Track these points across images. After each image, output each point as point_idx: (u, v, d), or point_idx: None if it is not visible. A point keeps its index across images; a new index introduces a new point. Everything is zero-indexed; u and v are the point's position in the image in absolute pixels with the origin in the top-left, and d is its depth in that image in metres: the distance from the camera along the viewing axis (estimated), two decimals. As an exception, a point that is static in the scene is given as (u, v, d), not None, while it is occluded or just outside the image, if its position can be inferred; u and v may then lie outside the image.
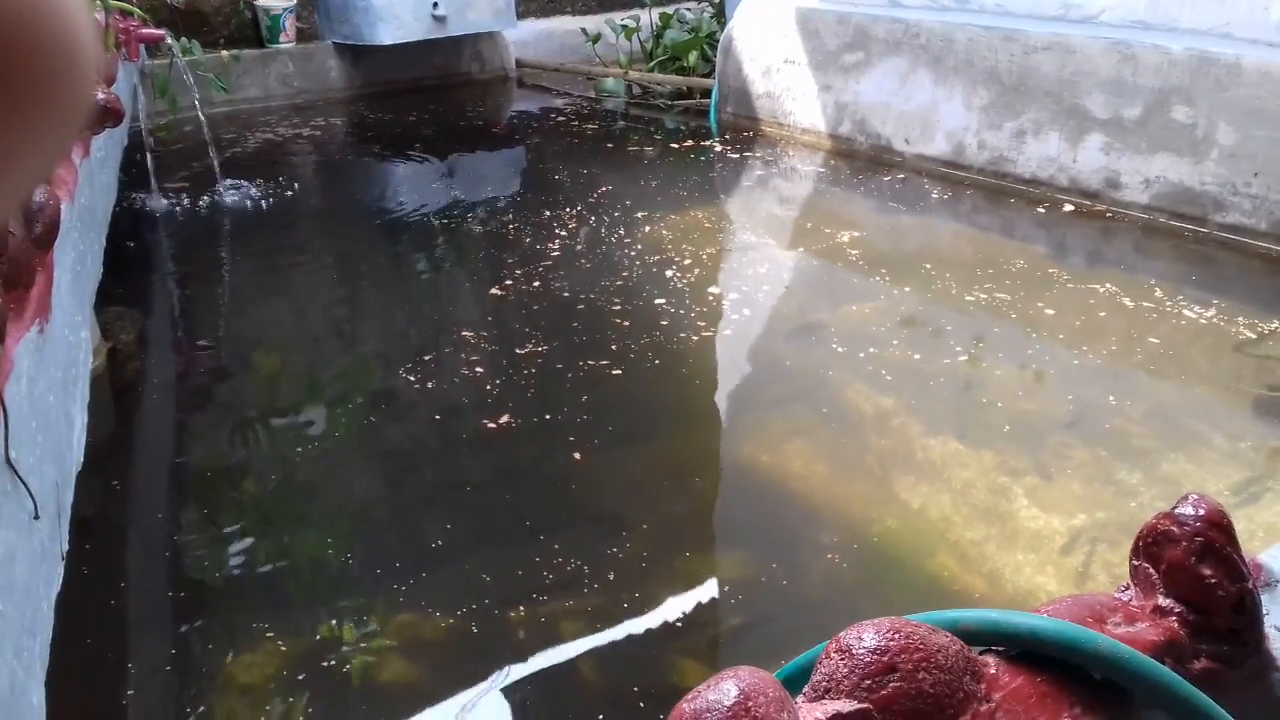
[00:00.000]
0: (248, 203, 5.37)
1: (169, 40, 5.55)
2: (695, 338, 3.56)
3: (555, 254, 4.38)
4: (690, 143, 6.42)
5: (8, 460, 1.58)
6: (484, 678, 2.04)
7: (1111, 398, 3.07)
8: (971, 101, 5.30)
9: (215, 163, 5.52)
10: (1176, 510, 1.22)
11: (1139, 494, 2.57)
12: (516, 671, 2.05)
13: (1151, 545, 1.27)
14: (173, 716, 2.01)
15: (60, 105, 0.28)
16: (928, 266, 4.16)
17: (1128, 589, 1.22)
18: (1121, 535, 2.34)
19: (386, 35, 7.61)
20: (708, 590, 2.30)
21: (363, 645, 2.14)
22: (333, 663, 2.09)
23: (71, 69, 0.28)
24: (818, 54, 6.12)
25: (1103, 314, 3.64)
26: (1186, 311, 3.62)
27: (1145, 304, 3.70)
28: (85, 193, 2.99)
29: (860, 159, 5.79)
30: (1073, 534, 2.43)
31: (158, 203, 5.32)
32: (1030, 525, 2.46)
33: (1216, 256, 4.18)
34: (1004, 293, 3.84)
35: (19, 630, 1.49)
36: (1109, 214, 4.67)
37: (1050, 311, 3.68)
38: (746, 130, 6.53)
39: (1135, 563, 1.34)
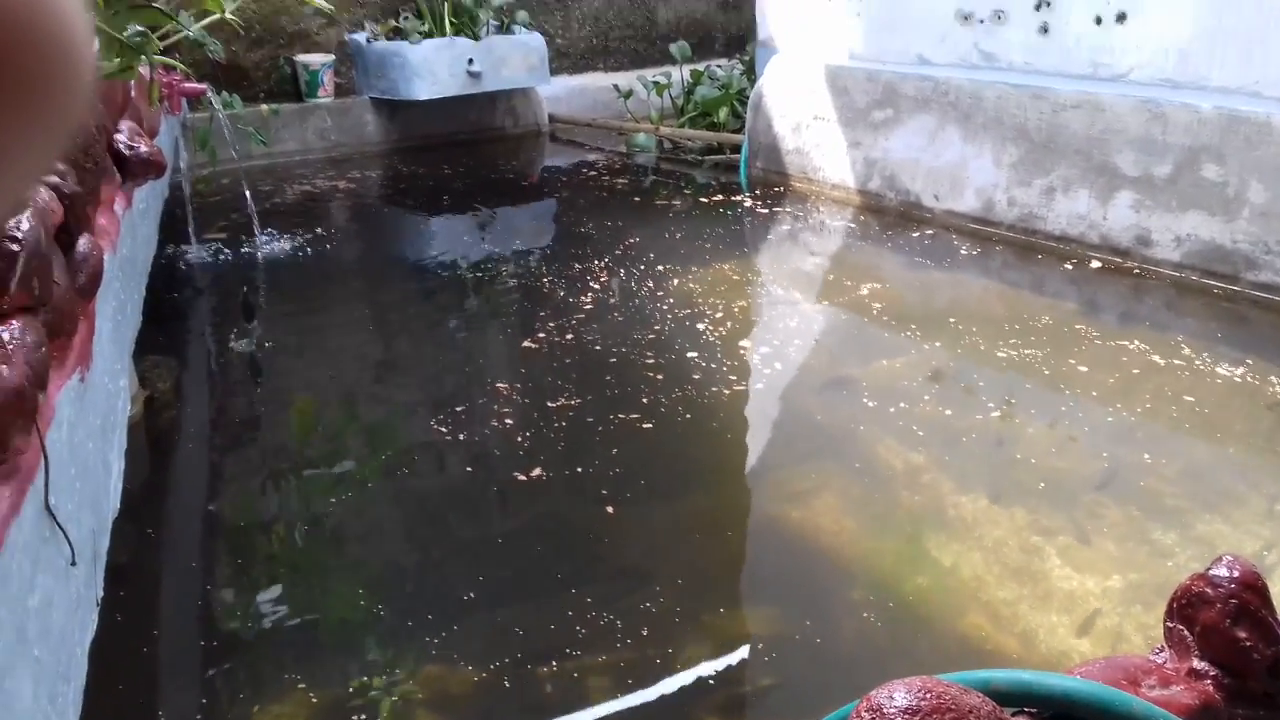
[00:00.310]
0: (284, 253, 5.44)
1: (210, 94, 5.66)
2: (727, 392, 3.56)
3: (588, 307, 4.40)
4: (720, 197, 6.46)
5: (48, 507, 1.61)
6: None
7: (1145, 456, 3.04)
8: (1001, 158, 5.32)
9: (253, 214, 5.60)
10: (1210, 572, 1.21)
11: (1173, 555, 2.54)
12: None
13: (1186, 607, 1.26)
14: (202, 766, 2.01)
15: (56, 104, 0.28)
16: (958, 322, 4.16)
17: (1162, 651, 1.21)
18: (1156, 597, 2.31)
19: (423, 91, 7.73)
20: (738, 647, 2.28)
21: (391, 697, 2.13)
22: (361, 715, 2.08)
23: (67, 68, 0.28)
24: (847, 111, 6.16)
25: (1135, 371, 3.62)
26: (1219, 370, 3.59)
27: (1177, 362, 3.68)
28: (127, 243, 3.05)
29: (889, 214, 5.81)
30: (1107, 595, 2.40)
31: (196, 253, 5.40)
32: (1063, 585, 2.44)
33: (1248, 315, 4.16)
34: (1035, 349, 3.83)
35: (54, 676, 1.50)
36: (1140, 271, 4.65)
37: (1082, 369, 3.66)
38: (776, 185, 6.57)
39: (1170, 625, 1.33)
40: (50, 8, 0.28)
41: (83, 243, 2.23)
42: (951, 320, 4.19)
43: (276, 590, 2.55)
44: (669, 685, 2.15)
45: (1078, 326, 4.09)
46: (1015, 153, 5.25)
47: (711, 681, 2.17)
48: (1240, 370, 3.59)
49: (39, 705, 1.40)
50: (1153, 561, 2.52)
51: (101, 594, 1.94)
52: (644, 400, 3.48)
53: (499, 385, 3.66)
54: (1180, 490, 2.84)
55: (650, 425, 3.31)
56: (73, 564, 1.69)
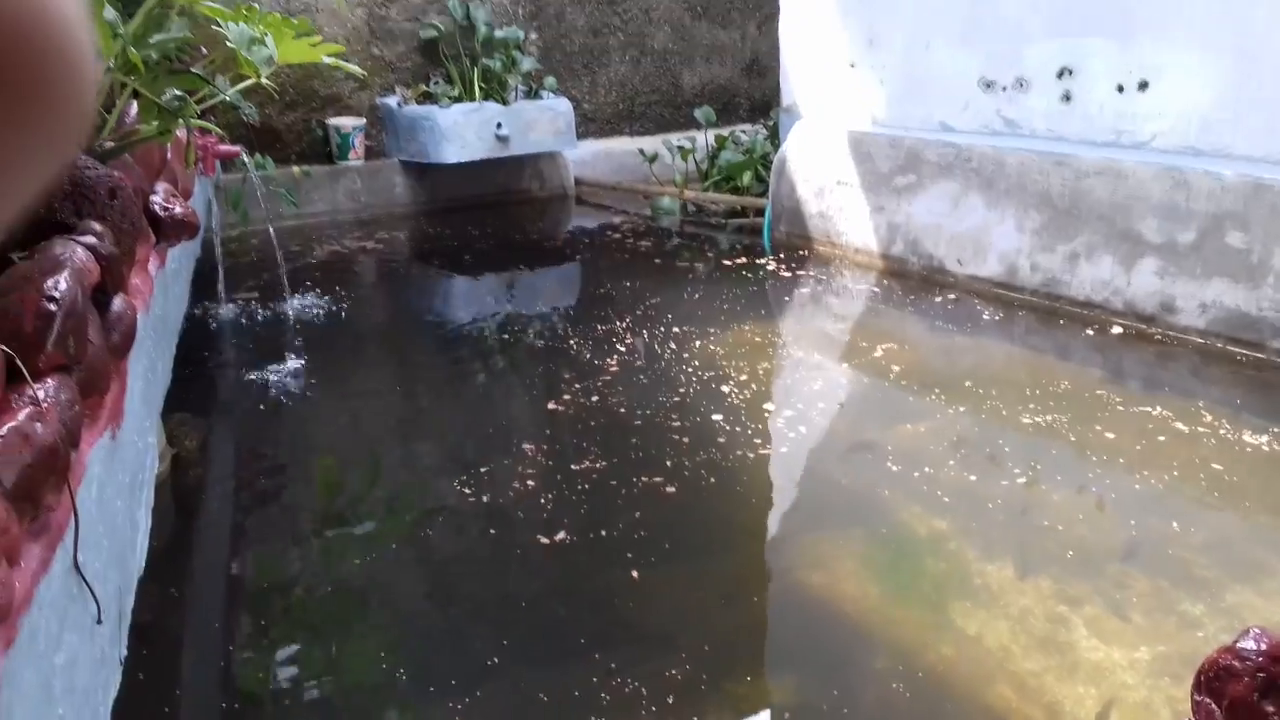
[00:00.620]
0: (313, 313, 5.50)
1: (244, 156, 5.77)
2: (751, 455, 3.56)
3: (613, 369, 4.42)
4: (744, 260, 6.50)
5: (76, 565, 1.62)
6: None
7: (1172, 525, 3.01)
8: (1024, 224, 5.33)
9: (283, 274, 5.68)
10: (1238, 645, 1.20)
11: (1202, 625, 2.50)
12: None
13: (1213, 680, 1.25)
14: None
15: (58, 112, 0.28)
16: (981, 387, 4.15)
17: (1191, 727, 1.19)
18: (1184, 668, 2.27)
19: (452, 155, 7.85)
20: (759, 715, 2.26)
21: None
22: (379, 778, 2.07)
23: (69, 76, 0.28)
24: (870, 176, 6.21)
25: (1161, 439, 3.59)
26: (1246, 438, 3.56)
27: (1203, 429, 3.65)
28: (160, 303, 3.10)
29: (912, 279, 5.82)
30: (1134, 667, 2.36)
31: (226, 312, 5.47)
32: (1091, 657, 2.40)
33: (1274, 382, 4.13)
34: (1059, 415, 3.81)
35: (77, 735, 1.51)
36: (1164, 338, 4.64)
37: (1109, 435, 3.64)
38: (800, 249, 6.60)
39: (1197, 698, 1.31)
40: (53, 16, 0.28)
41: (117, 302, 2.26)
42: (975, 385, 4.18)
43: (297, 652, 2.55)
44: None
45: (1102, 393, 4.07)
46: (1038, 219, 5.26)
47: (733, 750, 2.14)
48: (1266, 438, 3.55)
49: (62, 765, 1.41)
50: (1181, 633, 2.48)
51: (125, 653, 1.94)
52: (668, 463, 3.48)
53: (524, 447, 3.67)
54: (1208, 560, 2.81)
55: (674, 489, 3.30)
56: (99, 622, 1.70)
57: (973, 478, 3.35)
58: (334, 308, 5.58)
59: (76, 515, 1.62)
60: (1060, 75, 5.35)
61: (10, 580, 1.31)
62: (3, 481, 1.45)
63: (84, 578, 1.65)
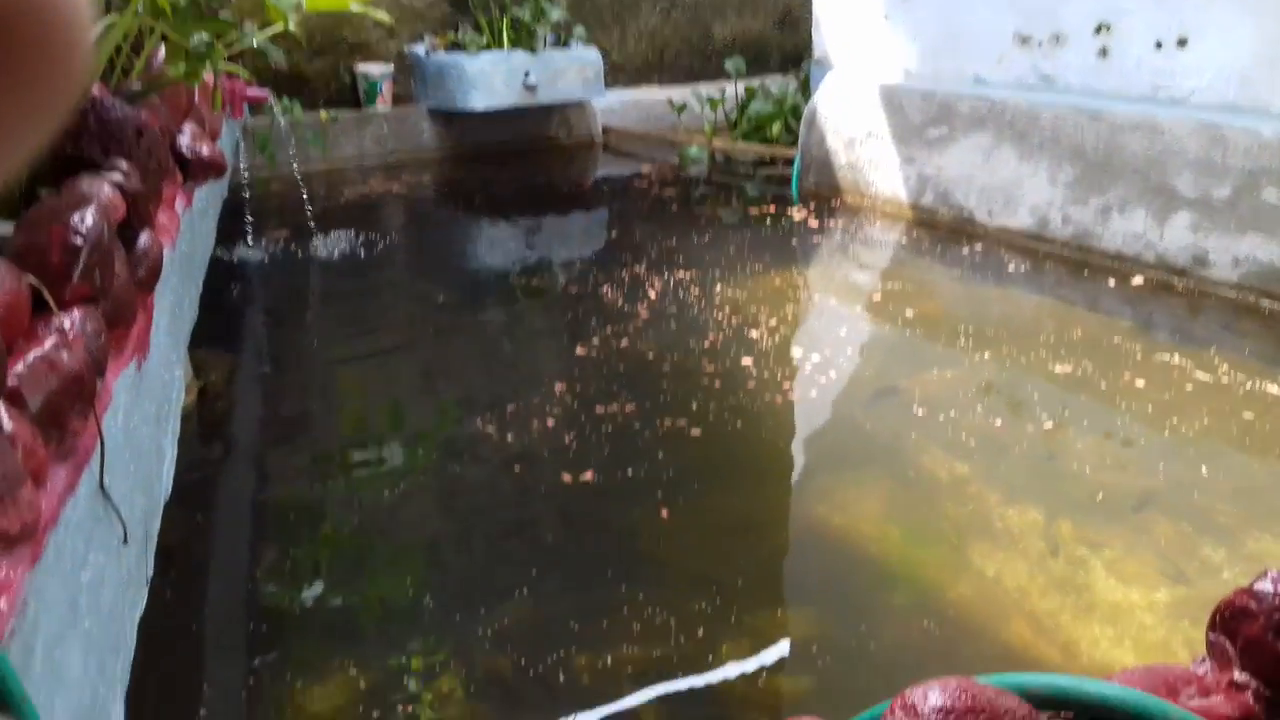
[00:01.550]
0: (338, 255, 5.51)
1: (272, 100, 5.76)
2: (778, 400, 3.56)
3: (642, 315, 4.41)
4: (772, 209, 6.46)
5: (102, 487, 1.64)
6: (559, 714, 2.04)
7: (1198, 472, 2.99)
8: (1056, 177, 5.26)
9: (309, 216, 5.69)
10: (1255, 586, 1.19)
11: (1221, 571, 2.49)
12: (584, 709, 2.05)
13: (1229, 620, 1.24)
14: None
15: (54, 75, 0.28)
16: (1009, 337, 4.12)
17: (1204, 662, 1.19)
18: (1203, 611, 2.25)
19: (479, 102, 7.80)
20: (779, 648, 2.27)
21: (436, 682, 2.15)
22: (403, 700, 2.10)
23: (66, 40, 0.28)
24: (901, 128, 6.13)
25: (1189, 388, 3.56)
26: (1276, 389, 3.52)
27: (1232, 380, 3.61)
28: (186, 240, 3.11)
29: (941, 230, 5.77)
30: (1153, 608, 2.35)
31: (253, 253, 5.49)
32: (1109, 598, 2.40)
33: (1308, 336, 4.07)
34: (1088, 365, 3.78)
35: (103, 648, 1.54)
36: (1195, 291, 4.58)
37: (1138, 384, 3.60)
38: (828, 199, 6.55)
39: (1212, 636, 1.30)
40: None
41: (143, 238, 2.28)
42: (1002, 334, 4.15)
43: (322, 578, 2.59)
44: (711, 680, 2.15)
45: (1131, 343, 4.03)
46: (1071, 172, 5.19)
47: (751, 679, 2.16)
48: (1298, 390, 3.51)
49: (88, 676, 1.43)
50: (1201, 577, 2.47)
51: (151, 573, 1.97)
52: (694, 406, 3.48)
53: (550, 389, 3.67)
54: (1233, 507, 2.79)
55: (699, 431, 3.31)
56: (124, 543, 1.73)
57: (998, 423, 3.33)
58: (360, 250, 5.59)
59: (102, 441, 1.65)
60: (1097, 31, 5.25)
61: (37, 500, 1.33)
62: (30, 406, 1.47)
63: (110, 500, 1.67)
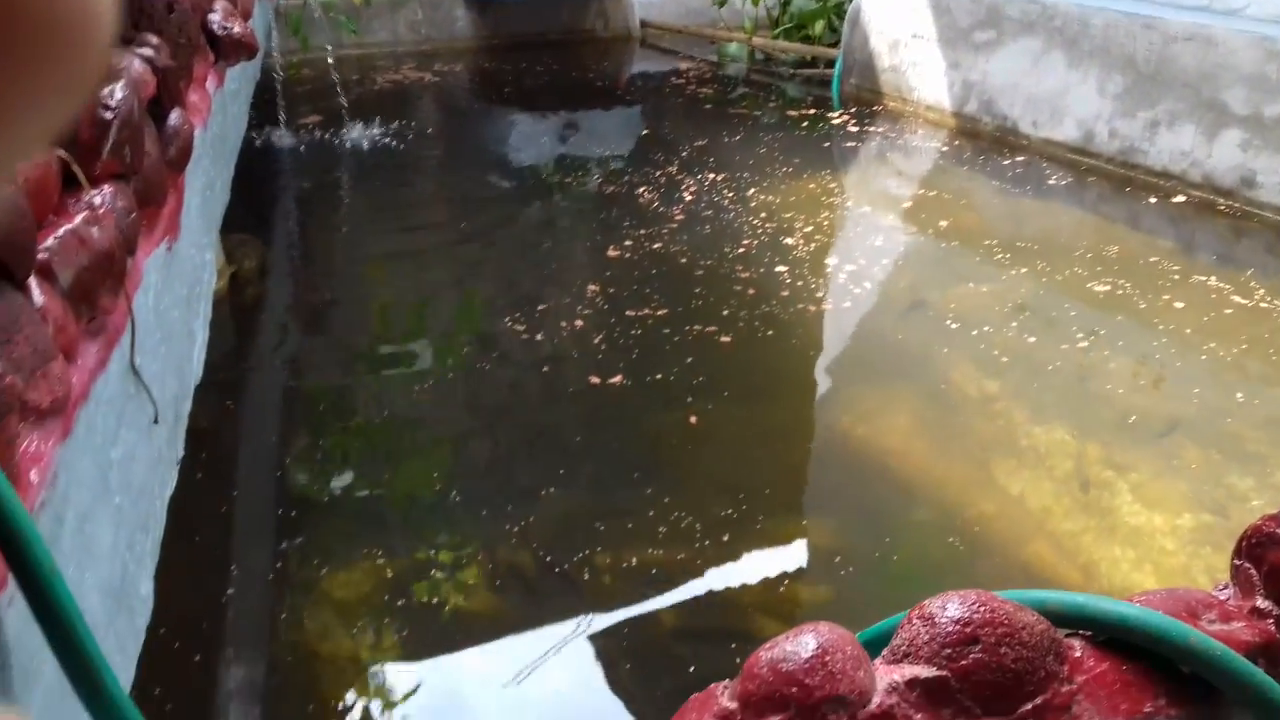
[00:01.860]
0: (371, 142, 5.47)
1: (305, -19, 5.67)
2: (811, 309, 3.53)
3: (677, 217, 4.36)
4: (811, 112, 6.34)
5: (133, 366, 1.66)
6: (575, 617, 2.08)
7: (1232, 399, 2.96)
8: (1105, 88, 5.12)
9: (342, 102, 5.64)
10: (1283, 513, 1.17)
11: (1249, 500, 2.48)
12: (606, 616, 2.09)
13: (1255, 546, 1.23)
14: (267, 620, 2.10)
15: (69, 64, 0.27)
16: (1047, 252, 4.05)
17: (1226, 588, 1.18)
18: (1227, 539, 2.26)
19: (516, -11, 7.65)
20: (799, 556, 2.30)
21: (460, 572, 2.19)
22: (426, 589, 2.14)
23: (83, 26, 0.27)
24: (948, 31, 5.97)
25: (1229, 312, 3.51)
26: (1318, 318, 3.46)
27: (1271, 307, 3.55)
28: (218, 121, 3.09)
29: (984, 139, 5.65)
30: (1176, 533, 2.36)
31: (286, 138, 5.46)
32: (1132, 521, 2.40)
33: (1356, 263, 3.99)
34: (1127, 284, 3.72)
35: (133, 525, 1.57)
36: (1241, 212, 4.48)
37: (1177, 305, 3.55)
38: (869, 103, 6.42)
39: (1237, 562, 1.30)
40: None
41: (174, 116, 2.26)
42: (1041, 250, 4.09)
43: (351, 467, 2.62)
44: (730, 585, 2.18)
45: (1171, 264, 3.96)
46: (1121, 83, 5.05)
47: (771, 586, 2.19)
48: (1340, 319, 3.45)
49: (117, 551, 1.47)
50: (1228, 504, 2.47)
51: (182, 454, 2.00)
52: (725, 313, 3.46)
53: (581, 290, 3.66)
54: (1265, 435, 2.77)
55: (729, 338, 3.29)
56: (155, 422, 1.75)
57: (1031, 340, 3.30)
58: (393, 137, 5.55)
59: (133, 320, 1.66)
60: (1159, -71, 5.06)
61: (67, 375, 1.34)
62: (60, 281, 1.48)
63: (141, 379, 1.69)
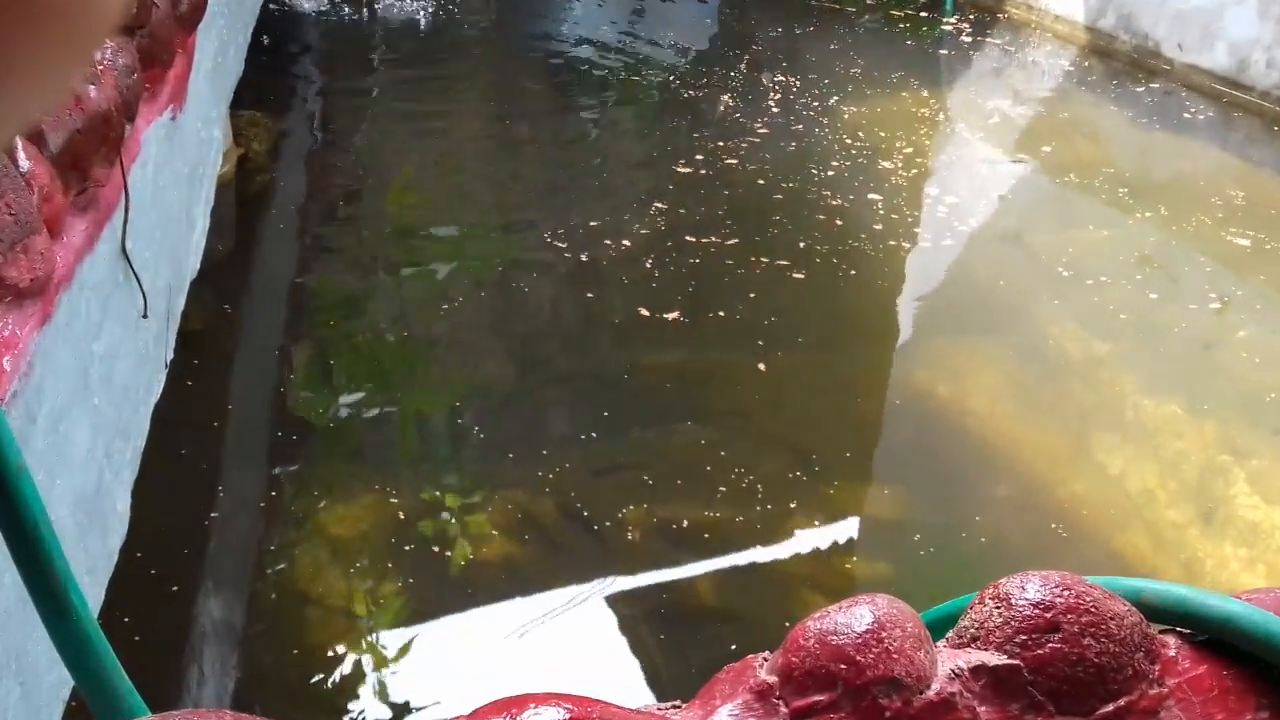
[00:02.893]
0: (406, 16, 5.45)
1: None
2: (904, 245, 3.51)
3: (758, 129, 4.31)
4: (921, 15, 6.22)
5: (124, 249, 1.68)
6: (601, 571, 2.10)
7: (1379, 385, 2.91)
8: (1269, 9, 4.97)
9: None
10: None
11: (1391, 501, 2.45)
12: (628, 572, 2.11)
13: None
14: (254, 552, 2.14)
15: (77, 30, 0.28)
16: (1181, 197, 3.97)
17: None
18: (1359, 544, 2.24)
19: None
20: (857, 527, 2.30)
21: (468, 519, 2.21)
22: (432, 532, 2.17)
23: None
24: (1090, -72, 5.82)
25: (1387, 285, 3.43)
26: None
27: None
28: (236, -22, 3.09)
29: (1118, 60, 5.52)
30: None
31: (311, 6, 5.45)
32: (1246, 515, 2.38)
33: None
34: (1271, 240, 3.64)
35: (113, 430, 1.60)
36: None
37: (1324, 272, 3.49)
38: (988, 9, 6.28)
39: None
40: None
41: (189, -33, 2.26)
42: (1173, 194, 4.01)
43: (361, 388, 2.64)
44: (778, 555, 2.19)
45: (1327, 223, 3.88)
46: (1290, 3, 4.90)
47: (824, 558, 2.20)
48: None
49: (94, 457, 1.50)
50: (1363, 505, 2.44)
51: (171, 357, 2.03)
52: (801, 245, 3.43)
53: (639, 209, 3.63)
54: None
55: (803, 275, 3.27)
56: (144, 316, 1.77)
57: (1153, 297, 3.25)
58: (431, 13, 5.52)
59: (128, 196, 1.67)
60: None
61: (51, 252, 1.36)
62: (49, 145, 1.49)
63: (131, 265, 1.71)
